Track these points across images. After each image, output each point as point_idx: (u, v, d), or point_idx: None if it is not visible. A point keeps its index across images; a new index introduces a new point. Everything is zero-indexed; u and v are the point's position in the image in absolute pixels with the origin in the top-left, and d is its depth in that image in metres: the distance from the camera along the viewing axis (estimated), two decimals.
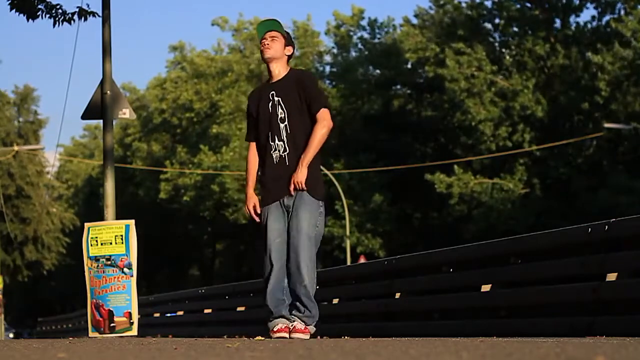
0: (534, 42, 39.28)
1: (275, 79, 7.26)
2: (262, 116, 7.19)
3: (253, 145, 7.31)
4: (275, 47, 7.22)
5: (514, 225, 36.49)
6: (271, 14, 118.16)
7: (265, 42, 7.23)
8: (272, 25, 7.31)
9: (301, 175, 7.01)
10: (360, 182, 44.97)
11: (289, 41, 7.32)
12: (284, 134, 7.09)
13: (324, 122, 7.11)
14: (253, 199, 7.26)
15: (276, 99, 7.14)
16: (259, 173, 7.28)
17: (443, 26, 43.16)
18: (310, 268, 7.03)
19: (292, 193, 7.03)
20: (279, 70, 7.26)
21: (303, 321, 7.09)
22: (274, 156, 7.12)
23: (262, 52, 7.26)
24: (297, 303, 7.08)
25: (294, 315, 7.11)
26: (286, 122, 7.09)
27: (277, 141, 7.10)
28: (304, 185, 7.01)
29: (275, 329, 7.11)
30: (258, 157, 7.26)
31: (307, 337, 7.06)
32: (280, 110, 7.11)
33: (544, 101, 39.34)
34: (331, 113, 7.28)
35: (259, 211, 7.20)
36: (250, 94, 7.58)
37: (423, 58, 43.61)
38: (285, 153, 7.09)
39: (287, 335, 7.06)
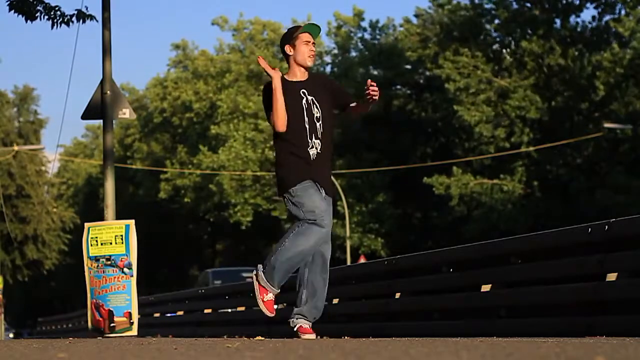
0: (533, 43, 39.26)
1: (299, 79, 7.35)
2: (295, 112, 7.22)
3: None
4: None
5: (514, 226, 36.48)
6: (272, 14, 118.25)
7: (312, 51, 7.36)
8: (318, 33, 7.45)
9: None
10: (362, 182, 45.01)
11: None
12: (320, 133, 7.22)
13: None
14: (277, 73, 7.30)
15: (309, 97, 7.26)
16: (292, 165, 7.23)
17: (442, 26, 43.17)
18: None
19: (374, 98, 7.09)
20: (303, 73, 7.41)
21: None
22: (312, 153, 7.20)
23: (308, 57, 7.34)
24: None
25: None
26: (321, 122, 7.23)
27: (314, 139, 7.20)
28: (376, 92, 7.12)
29: None
30: (290, 158, 7.22)
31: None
32: (315, 109, 7.24)
33: (543, 101, 39.34)
34: None
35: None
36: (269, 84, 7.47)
37: (423, 56, 43.61)
38: (321, 152, 7.22)
39: None
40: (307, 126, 7.18)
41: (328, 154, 7.28)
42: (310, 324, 7.39)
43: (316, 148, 7.19)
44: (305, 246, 7.08)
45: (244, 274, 23.31)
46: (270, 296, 7.28)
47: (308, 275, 7.32)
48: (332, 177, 7.45)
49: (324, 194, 7.21)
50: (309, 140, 7.18)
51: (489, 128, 39.25)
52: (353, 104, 7.39)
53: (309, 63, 7.34)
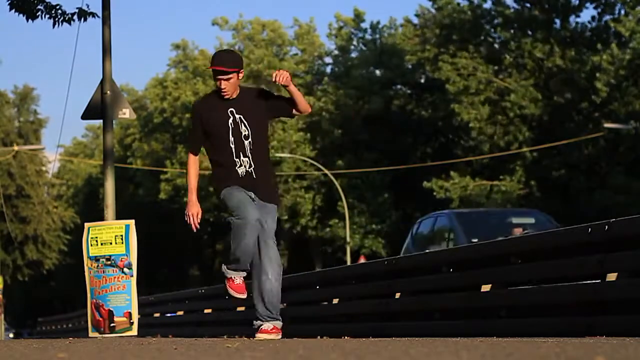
0: (533, 43, 39.26)
1: (229, 97, 7.39)
2: (221, 132, 7.37)
3: (196, 158, 7.58)
4: (231, 85, 7.33)
5: None
6: (272, 14, 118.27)
7: (222, 88, 7.32)
8: (223, 67, 7.28)
9: (286, 75, 7.20)
10: (363, 182, 45.02)
11: (241, 67, 7.40)
12: (248, 150, 7.37)
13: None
14: (197, 206, 7.54)
15: (237, 116, 7.36)
16: (222, 180, 7.47)
17: (442, 27, 43.18)
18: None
19: (283, 81, 7.16)
20: (235, 90, 7.44)
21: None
22: (240, 172, 7.39)
23: (222, 93, 7.35)
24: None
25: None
26: (250, 140, 7.36)
27: (242, 157, 7.37)
28: (287, 77, 7.17)
29: None
30: (219, 170, 7.47)
31: None
32: (243, 127, 7.36)
33: (543, 101, 39.34)
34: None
35: (199, 220, 7.52)
36: (197, 105, 7.68)
37: (422, 59, 43.64)
38: (252, 168, 7.39)
39: None
40: (232, 146, 7.34)
41: (262, 168, 7.44)
42: (271, 324, 7.47)
43: (244, 166, 7.37)
44: (241, 240, 7.27)
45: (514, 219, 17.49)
46: (239, 280, 7.53)
47: (254, 278, 7.52)
48: (272, 186, 7.64)
49: (255, 199, 7.37)
50: (236, 160, 7.37)
51: (488, 128, 39.25)
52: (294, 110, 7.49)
53: (225, 97, 7.36)
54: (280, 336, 7.44)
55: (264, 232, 7.38)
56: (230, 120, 7.36)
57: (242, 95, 7.44)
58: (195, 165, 7.56)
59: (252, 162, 7.38)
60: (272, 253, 7.44)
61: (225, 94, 7.33)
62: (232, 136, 7.35)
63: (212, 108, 7.44)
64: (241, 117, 7.37)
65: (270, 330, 7.41)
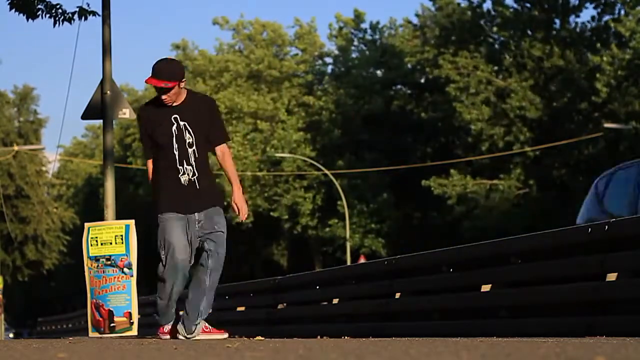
0: (533, 43, 39.26)
1: (176, 103, 7.30)
2: (165, 138, 7.26)
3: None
4: (172, 94, 7.23)
5: (513, 226, 36.48)
6: (272, 15, 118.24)
7: (164, 99, 7.23)
8: (160, 79, 7.19)
9: (243, 201, 7.42)
10: (363, 182, 45.02)
11: (181, 77, 7.27)
12: (192, 158, 7.25)
13: (231, 156, 7.50)
14: None
15: (181, 123, 7.25)
16: (162, 190, 7.37)
17: (442, 27, 43.19)
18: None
19: (242, 219, 7.39)
20: (179, 97, 7.32)
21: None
22: (183, 180, 7.25)
23: (163, 101, 7.27)
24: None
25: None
26: (194, 148, 7.25)
27: (186, 165, 7.24)
28: (247, 210, 7.41)
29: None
30: (162, 178, 7.36)
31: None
32: (188, 135, 7.24)
33: (543, 102, 39.33)
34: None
35: None
36: (144, 111, 7.57)
37: (422, 60, 43.65)
38: (195, 177, 7.26)
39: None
40: (176, 153, 7.22)
41: (205, 177, 7.32)
42: (187, 333, 7.49)
43: (188, 174, 7.24)
44: (161, 287, 7.54)
45: None
46: (168, 327, 7.66)
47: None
48: (216, 192, 7.55)
49: (194, 226, 7.27)
50: (180, 167, 7.25)
51: (488, 128, 39.25)
52: (219, 153, 7.39)
53: (168, 106, 7.27)
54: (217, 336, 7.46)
55: (208, 258, 7.33)
56: (175, 127, 7.24)
57: (187, 101, 7.31)
58: (155, 169, 7.47)
59: (195, 171, 7.25)
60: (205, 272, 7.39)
61: (167, 102, 7.23)
62: (176, 143, 7.23)
63: (156, 114, 7.32)
64: (185, 124, 7.24)
65: (209, 330, 7.52)
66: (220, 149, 7.40)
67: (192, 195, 7.25)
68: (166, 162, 7.28)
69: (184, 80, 7.26)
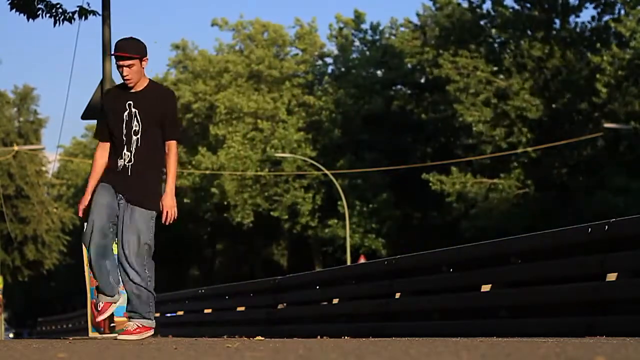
0: (532, 43, 39.25)
1: (136, 89, 7.35)
2: (115, 122, 7.33)
3: (104, 145, 7.45)
4: (133, 72, 7.26)
5: (513, 226, 36.47)
6: (272, 15, 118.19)
7: (125, 75, 7.28)
8: (124, 52, 7.26)
9: (172, 203, 7.50)
10: (363, 182, 45.02)
11: (144, 54, 7.32)
12: (134, 146, 7.30)
13: (176, 157, 7.46)
14: (89, 197, 7.52)
15: (133, 110, 7.31)
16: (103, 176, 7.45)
17: (442, 27, 43.19)
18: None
19: (166, 222, 7.45)
20: (139, 83, 7.36)
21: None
22: (119, 164, 7.30)
23: (125, 79, 7.31)
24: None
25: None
26: (139, 136, 7.30)
27: (125, 151, 7.29)
28: (174, 215, 7.49)
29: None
30: (107, 158, 7.43)
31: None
32: (135, 123, 7.30)
33: (543, 102, 39.33)
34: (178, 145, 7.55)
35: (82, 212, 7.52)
36: (106, 94, 7.76)
37: (423, 60, 43.67)
38: (130, 164, 7.29)
39: None
40: (123, 138, 7.29)
41: (141, 167, 7.30)
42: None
43: (124, 160, 7.29)
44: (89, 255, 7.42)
45: None
46: (101, 304, 7.54)
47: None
48: (149, 190, 7.43)
49: (121, 200, 7.29)
50: (121, 152, 7.31)
51: (488, 128, 39.26)
52: (166, 149, 7.39)
53: (128, 84, 7.30)
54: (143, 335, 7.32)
55: (122, 255, 7.30)
56: (126, 113, 7.31)
57: (146, 90, 7.36)
58: (101, 152, 7.45)
59: (132, 158, 7.28)
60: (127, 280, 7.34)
61: (128, 81, 7.26)
62: (125, 128, 7.29)
63: (114, 98, 7.42)
64: (137, 111, 7.30)
65: (134, 330, 7.30)
66: (168, 145, 7.42)
67: (121, 181, 7.29)
68: (113, 146, 7.38)
69: (145, 58, 7.31)
